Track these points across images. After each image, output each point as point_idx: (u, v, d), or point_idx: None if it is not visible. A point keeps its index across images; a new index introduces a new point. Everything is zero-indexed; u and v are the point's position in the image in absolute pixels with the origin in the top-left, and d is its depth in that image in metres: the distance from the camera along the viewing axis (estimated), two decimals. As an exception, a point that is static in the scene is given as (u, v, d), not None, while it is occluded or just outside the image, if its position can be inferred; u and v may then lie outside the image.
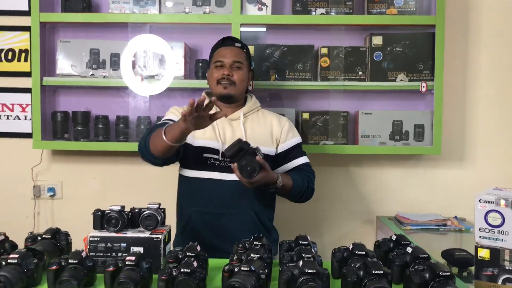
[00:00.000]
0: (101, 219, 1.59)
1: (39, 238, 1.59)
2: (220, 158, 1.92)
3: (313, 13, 2.49)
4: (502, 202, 1.37)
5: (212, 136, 1.94)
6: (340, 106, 2.57)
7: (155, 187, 2.67)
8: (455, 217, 2.53)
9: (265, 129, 2.01)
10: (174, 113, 2.00)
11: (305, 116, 2.55)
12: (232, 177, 1.81)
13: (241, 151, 1.69)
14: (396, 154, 2.62)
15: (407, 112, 2.55)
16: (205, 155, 1.93)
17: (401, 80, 2.50)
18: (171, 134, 1.73)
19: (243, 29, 2.48)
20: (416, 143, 2.52)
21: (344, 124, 2.54)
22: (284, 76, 2.53)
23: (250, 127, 1.99)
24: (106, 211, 1.59)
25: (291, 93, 2.64)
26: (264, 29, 2.66)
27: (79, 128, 2.55)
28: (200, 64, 2.53)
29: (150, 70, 2.52)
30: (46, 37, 2.59)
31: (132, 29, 2.52)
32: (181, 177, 2.03)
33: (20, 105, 2.70)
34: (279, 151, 2.00)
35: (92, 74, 2.55)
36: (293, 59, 2.52)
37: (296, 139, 2.05)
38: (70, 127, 2.57)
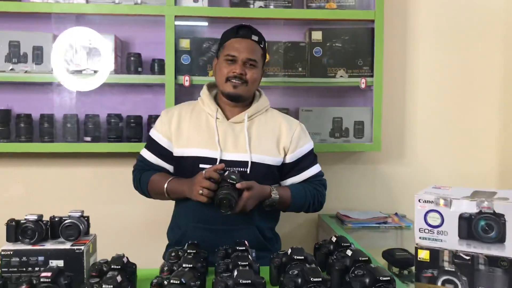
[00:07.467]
0: (16, 230, 1.43)
1: None
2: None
3: (252, 6, 2.39)
4: (441, 202, 1.33)
5: (210, 143, 1.77)
6: (280, 103, 2.48)
7: (87, 192, 2.49)
8: (396, 214, 2.53)
9: (273, 134, 1.84)
10: (164, 128, 1.85)
11: (245, 113, 2.45)
12: None
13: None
14: (337, 151, 2.58)
15: (347, 108, 2.53)
16: (201, 165, 1.74)
17: (341, 76, 2.46)
18: (174, 194, 1.78)
19: (178, 22, 2.34)
20: (356, 140, 2.50)
21: (284, 121, 2.47)
22: (222, 72, 2.42)
23: (256, 132, 1.82)
24: (21, 221, 1.43)
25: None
26: (203, 23, 2.53)
27: (-2, 128, 2.34)
28: (132, 58, 2.37)
29: (77, 65, 2.33)
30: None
31: (56, 20, 2.33)
32: None
33: None
34: (287, 161, 1.85)
35: (12, 69, 2.33)
36: (231, 54, 2.42)
37: (308, 146, 1.89)
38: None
